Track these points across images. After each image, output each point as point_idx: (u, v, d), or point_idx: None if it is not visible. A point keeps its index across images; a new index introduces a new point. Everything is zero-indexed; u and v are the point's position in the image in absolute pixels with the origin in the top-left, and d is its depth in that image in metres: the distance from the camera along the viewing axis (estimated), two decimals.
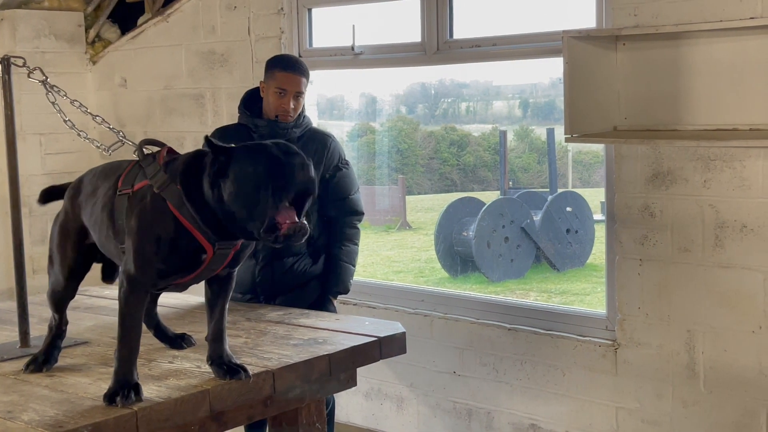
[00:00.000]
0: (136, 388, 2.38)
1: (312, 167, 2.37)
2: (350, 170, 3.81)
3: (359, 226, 3.82)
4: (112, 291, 3.75)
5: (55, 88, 2.94)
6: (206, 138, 2.37)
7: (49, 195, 2.94)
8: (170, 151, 2.54)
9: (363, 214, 3.83)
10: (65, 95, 2.95)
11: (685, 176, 3.70)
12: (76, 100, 2.99)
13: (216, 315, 2.57)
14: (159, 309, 2.94)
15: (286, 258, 3.67)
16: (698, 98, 3.63)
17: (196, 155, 2.45)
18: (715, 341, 3.69)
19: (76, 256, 2.73)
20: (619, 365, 3.94)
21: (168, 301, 3.38)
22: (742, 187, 3.57)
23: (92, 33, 5.81)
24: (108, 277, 2.84)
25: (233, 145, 2.40)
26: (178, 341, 2.90)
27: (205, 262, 2.41)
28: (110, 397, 2.35)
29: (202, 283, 2.60)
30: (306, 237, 2.35)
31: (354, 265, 3.79)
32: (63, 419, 2.25)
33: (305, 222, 2.34)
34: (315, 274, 3.74)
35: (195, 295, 3.50)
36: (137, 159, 2.56)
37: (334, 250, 3.74)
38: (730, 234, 3.62)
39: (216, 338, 2.56)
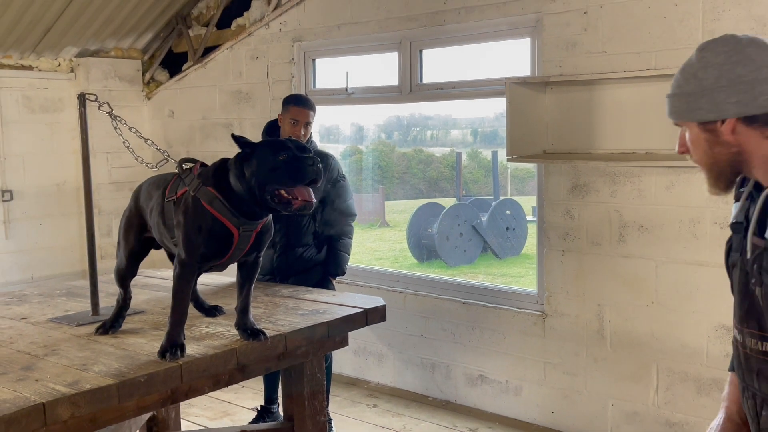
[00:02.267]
0: (182, 348, 2.36)
1: (320, 162, 2.36)
2: (346, 182, 3.80)
3: (353, 224, 3.82)
4: (162, 272, 3.72)
5: (118, 118, 2.91)
6: (233, 135, 2.38)
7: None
8: (202, 164, 2.55)
9: (356, 215, 3.82)
10: (125, 123, 2.92)
11: (596, 188, 3.72)
12: (133, 127, 2.96)
13: (244, 293, 2.55)
14: (199, 287, 2.92)
15: (297, 248, 3.66)
16: (607, 129, 3.65)
17: (222, 161, 2.47)
18: (618, 313, 3.70)
19: (135, 242, 2.71)
20: (546, 330, 3.95)
21: (206, 281, 3.36)
22: (640, 197, 3.59)
23: (147, 76, 5.78)
24: (173, 259, 2.83)
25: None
26: (212, 311, 2.89)
27: (234, 243, 2.40)
28: (162, 353, 2.33)
29: (234, 267, 2.58)
30: (311, 210, 2.36)
31: (349, 254, 3.78)
32: (125, 370, 2.23)
33: (314, 199, 2.34)
34: (319, 260, 3.72)
35: (227, 276, 3.49)
36: (178, 173, 2.55)
37: (334, 242, 3.74)
38: (630, 232, 3.63)
39: (242, 310, 2.55)
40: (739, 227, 1.53)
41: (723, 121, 1.46)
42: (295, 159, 2.31)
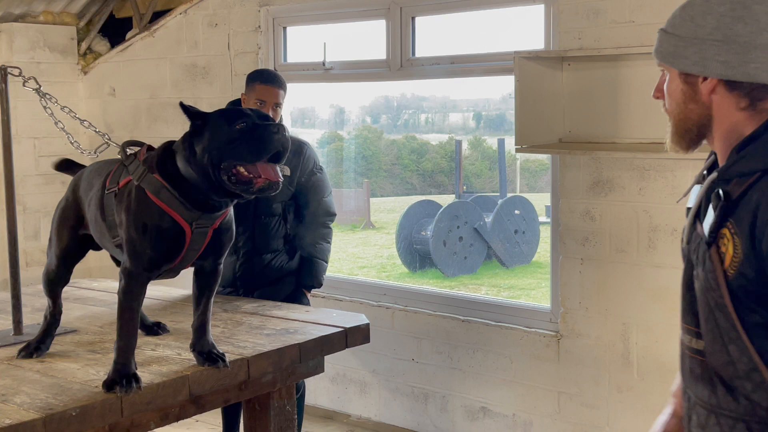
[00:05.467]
0: (135, 377, 2.33)
1: (287, 131, 2.34)
2: (323, 175, 3.80)
3: (331, 225, 3.81)
4: (100, 283, 3.70)
5: (47, 96, 2.89)
6: (181, 104, 2.36)
7: (64, 165, 2.90)
8: (149, 148, 2.53)
9: (335, 215, 3.82)
10: (57, 102, 2.90)
11: (622, 184, 3.73)
12: (66, 107, 2.94)
13: (201, 307, 2.54)
14: (144, 301, 2.89)
15: (264, 254, 3.65)
16: (635, 114, 3.66)
17: (167, 144, 2.46)
18: (647, 333, 3.72)
19: (70, 241, 2.69)
20: (561, 354, 3.96)
21: (153, 293, 3.33)
22: (673, 195, 3.60)
23: (84, 46, 5.75)
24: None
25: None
26: (153, 328, 2.88)
27: (186, 242, 2.39)
28: (109, 385, 2.30)
29: (189, 277, 2.57)
30: (276, 190, 2.33)
31: (327, 262, 3.78)
32: (53, 402, 2.21)
33: (280, 177, 2.32)
34: (290, 269, 3.72)
35: (177, 287, 3.47)
36: (121, 159, 2.54)
37: (309, 247, 3.73)
38: (661, 237, 3.65)
39: (199, 328, 2.54)
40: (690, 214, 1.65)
41: (705, 79, 1.54)
42: (255, 128, 2.29)
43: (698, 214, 1.60)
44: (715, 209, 1.51)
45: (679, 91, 1.59)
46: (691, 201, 1.67)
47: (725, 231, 1.49)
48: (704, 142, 1.64)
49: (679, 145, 1.64)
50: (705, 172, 1.66)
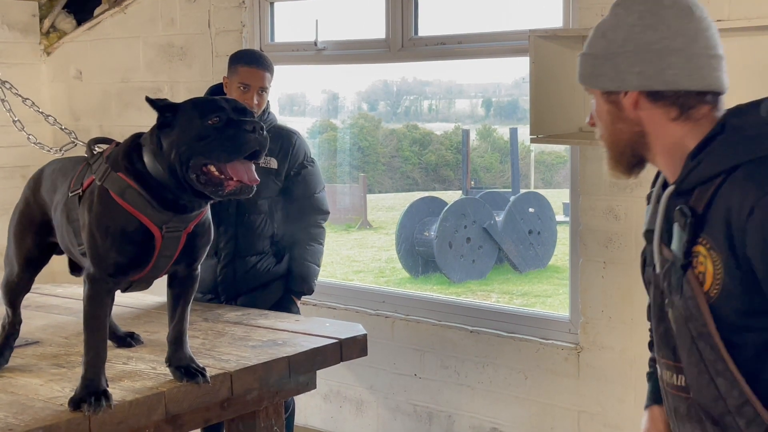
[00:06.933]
0: (105, 394, 2.33)
1: (263, 129, 2.34)
2: (315, 168, 3.81)
3: (324, 225, 3.82)
4: (65, 289, 3.70)
5: (6, 85, 2.89)
6: (147, 98, 2.36)
7: None
8: (117, 145, 2.53)
9: (328, 213, 3.83)
10: (17, 92, 2.89)
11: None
12: (29, 99, 2.93)
13: (177, 317, 2.54)
14: (115, 309, 2.90)
15: (248, 257, 3.65)
16: None
17: (134, 137, 2.46)
18: None
19: (33, 247, 2.70)
20: (581, 369, 3.96)
21: (124, 300, 3.34)
22: None
23: (47, 23, 5.74)
24: (76, 270, 2.81)
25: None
26: (125, 339, 2.88)
27: (156, 247, 2.39)
28: (76, 403, 2.30)
29: (164, 284, 2.57)
30: (250, 194, 2.34)
31: (319, 265, 3.79)
32: (13, 422, 2.21)
33: (255, 180, 2.33)
34: (279, 273, 3.72)
35: (151, 294, 3.46)
36: (86, 157, 2.54)
37: (299, 249, 3.73)
38: None
39: (175, 341, 2.54)
40: (650, 236, 1.69)
41: (626, 94, 1.62)
42: (229, 124, 2.30)
43: (662, 236, 1.63)
44: (683, 228, 1.54)
45: (605, 112, 1.67)
46: (646, 222, 1.72)
47: (699, 248, 1.52)
48: (647, 164, 1.69)
49: (617, 169, 1.72)
50: (658, 190, 1.71)
